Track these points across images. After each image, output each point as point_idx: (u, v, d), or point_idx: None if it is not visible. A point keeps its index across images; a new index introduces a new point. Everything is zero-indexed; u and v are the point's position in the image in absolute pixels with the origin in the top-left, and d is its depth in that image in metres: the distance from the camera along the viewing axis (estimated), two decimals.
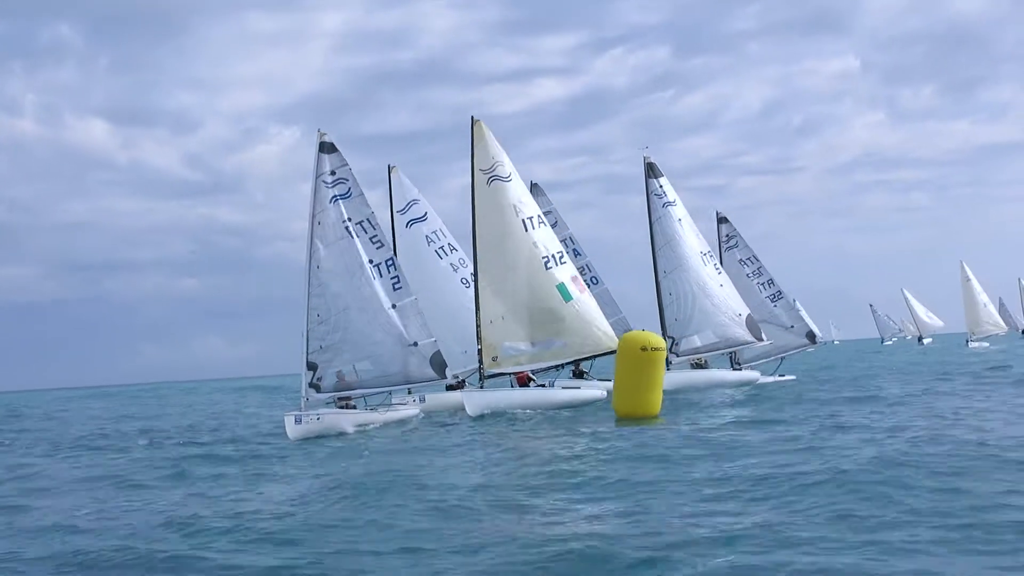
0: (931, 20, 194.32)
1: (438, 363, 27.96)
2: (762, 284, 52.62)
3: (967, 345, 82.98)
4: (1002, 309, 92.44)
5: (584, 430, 21.52)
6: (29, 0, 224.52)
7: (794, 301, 53.86)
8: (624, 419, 23.07)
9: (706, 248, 37.16)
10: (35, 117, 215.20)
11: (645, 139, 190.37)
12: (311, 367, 27.08)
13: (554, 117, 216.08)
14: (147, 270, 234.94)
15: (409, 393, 31.05)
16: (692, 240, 36.96)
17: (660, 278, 36.27)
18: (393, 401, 29.15)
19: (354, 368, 27.34)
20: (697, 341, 36.06)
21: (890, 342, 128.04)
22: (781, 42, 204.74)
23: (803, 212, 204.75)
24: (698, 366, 35.95)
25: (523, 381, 31.13)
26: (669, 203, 37.54)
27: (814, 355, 79.50)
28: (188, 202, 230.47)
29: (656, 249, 36.65)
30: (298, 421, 25.76)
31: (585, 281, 37.15)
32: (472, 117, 32.67)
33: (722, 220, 54.36)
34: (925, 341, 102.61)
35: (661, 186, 37.76)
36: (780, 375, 55.90)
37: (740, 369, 35.95)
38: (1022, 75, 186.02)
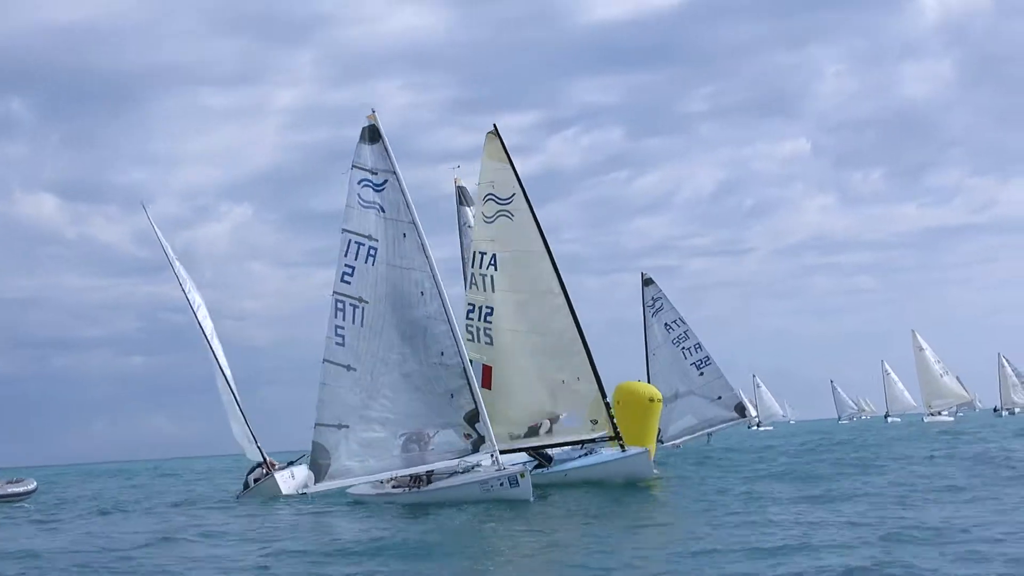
0: (880, 105, 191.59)
1: None
2: (687, 350, 44.28)
3: (924, 420, 73.16)
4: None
5: None
6: None
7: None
8: None
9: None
10: None
11: (600, 220, 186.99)
12: None
13: None
14: (96, 347, 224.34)
15: None
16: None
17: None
18: None
19: None
20: None
21: (846, 421, 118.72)
22: (733, 124, 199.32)
23: (750, 294, 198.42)
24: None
25: None
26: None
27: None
28: (137, 279, 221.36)
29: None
30: None
31: None
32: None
33: (647, 282, 45.31)
34: (890, 420, 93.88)
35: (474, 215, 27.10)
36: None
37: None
38: (968, 160, 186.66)
